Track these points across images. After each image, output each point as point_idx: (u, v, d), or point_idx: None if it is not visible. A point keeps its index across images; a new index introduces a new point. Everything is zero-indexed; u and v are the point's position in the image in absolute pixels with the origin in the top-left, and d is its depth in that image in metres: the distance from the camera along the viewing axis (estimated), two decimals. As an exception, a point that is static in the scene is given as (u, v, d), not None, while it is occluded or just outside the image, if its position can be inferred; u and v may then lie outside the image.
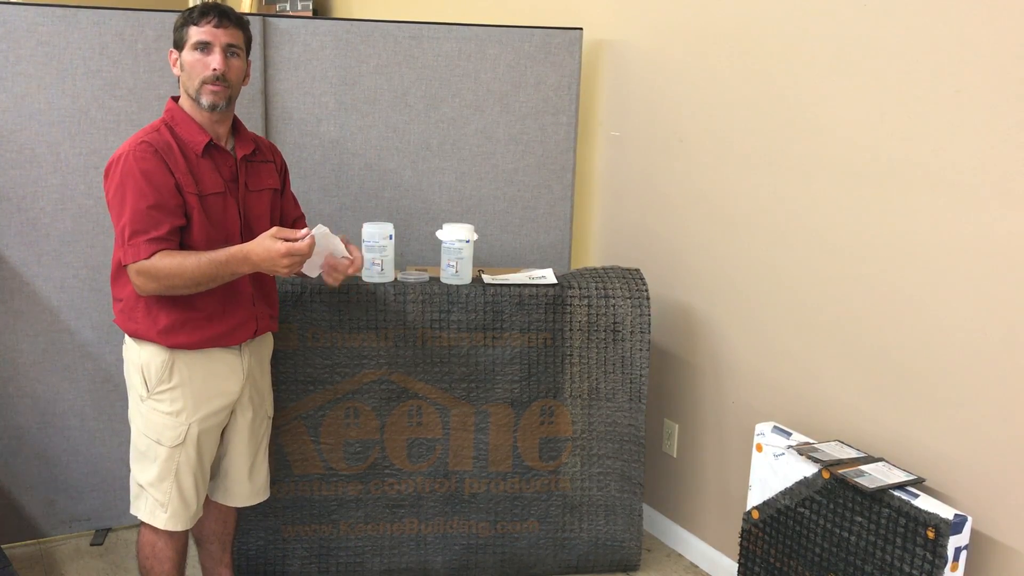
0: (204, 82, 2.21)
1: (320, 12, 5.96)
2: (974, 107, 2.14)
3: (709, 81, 2.91)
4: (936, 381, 2.28)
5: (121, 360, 3.02)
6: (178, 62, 2.26)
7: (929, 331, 2.29)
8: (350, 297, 2.76)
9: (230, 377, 2.38)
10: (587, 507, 2.96)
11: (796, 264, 2.66)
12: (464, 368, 2.84)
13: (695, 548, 3.16)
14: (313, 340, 2.77)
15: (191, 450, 2.33)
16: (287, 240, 2.15)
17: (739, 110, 2.80)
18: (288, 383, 2.78)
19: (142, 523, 2.40)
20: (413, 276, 2.84)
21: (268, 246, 2.14)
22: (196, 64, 2.21)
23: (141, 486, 2.36)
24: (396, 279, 2.83)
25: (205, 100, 2.22)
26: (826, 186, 2.54)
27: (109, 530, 3.21)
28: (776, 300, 2.74)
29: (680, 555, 3.22)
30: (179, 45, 2.25)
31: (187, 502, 2.36)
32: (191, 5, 7.54)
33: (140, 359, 2.28)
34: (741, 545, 2.63)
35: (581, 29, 3.29)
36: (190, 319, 2.25)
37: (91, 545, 3.13)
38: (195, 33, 2.22)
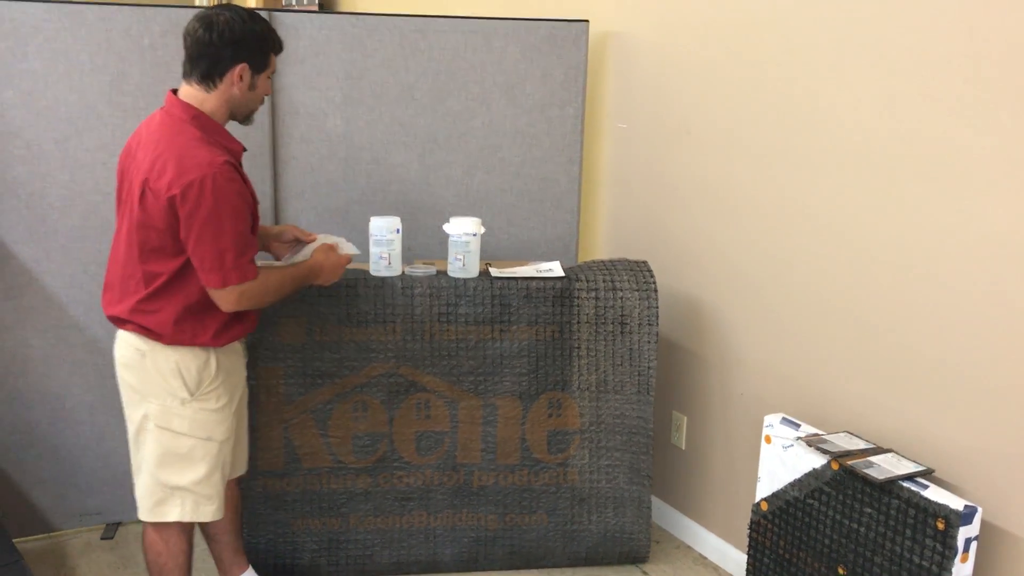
0: (259, 105, 2.33)
1: (326, 6, 5.96)
2: (983, 97, 2.13)
3: (716, 72, 2.90)
4: (945, 372, 2.27)
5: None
6: (247, 81, 2.22)
7: (938, 322, 2.28)
8: (358, 291, 2.76)
9: (241, 362, 2.51)
10: (596, 499, 2.96)
11: (804, 255, 2.65)
12: (472, 361, 2.85)
13: (704, 540, 3.16)
14: (321, 334, 2.78)
15: (231, 438, 2.43)
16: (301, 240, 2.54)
17: (746, 101, 2.80)
18: (296, 377, 2.78)
19: (150, 524, 2.39)
20: (420, 270, 2.84)
21: (335, 260, 2.48)
22: (265, 90, 2.30)
23: (176, 488, 2.33)
24: (403, 273, 2.83)
25: (251, 117, 2.34)
26: (834, 177, 2.53)
27: (119, 524, 3.22)
28: (784, 291, 2.73)
29: (689, 547, 3.22)
30: (258, 67, 2.24)
31: (223, 488, 2.43)
32: (200, 3, 7.55)
33: (175, 364, 2.26)
34: (750, 537, 2.63)
35: (587, 21, 3.28)
36: (234, 316, 2.31)
37: (101, 539, 3.15)
38: (274, 63, 2.30)
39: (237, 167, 2.23)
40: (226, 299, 2.21)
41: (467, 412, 2.88)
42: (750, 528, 2.64)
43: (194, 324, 2.25)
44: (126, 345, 2.29)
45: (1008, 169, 2.09)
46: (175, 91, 2.26)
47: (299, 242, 2.59)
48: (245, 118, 2.33)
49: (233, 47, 2.17)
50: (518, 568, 2.99)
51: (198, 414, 2.31)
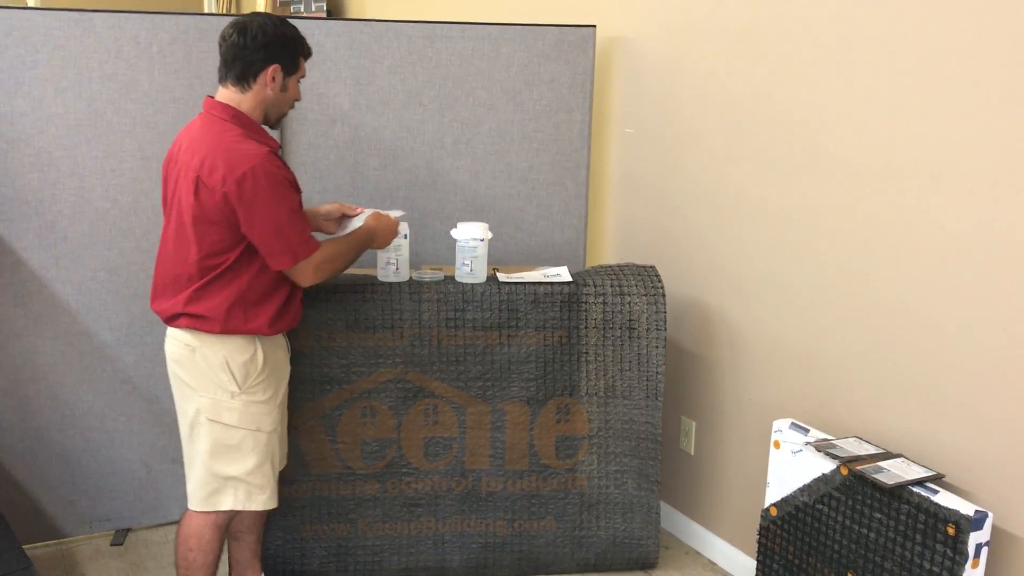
0: (289, 108, 2.45)
1: (334, 13, 5.98)
2: (992, 103, 2.12)
3: (723, 78, 2.90)
4: (955, 376, 2.26)
5: (144, 360, 3.05)
6: (279, 82, 2.36)
7: (948, 326, 2.27)
8: (365, 297, 2.77)
9: (286, 357, 2.58)
10: (604, 505, 2.95)
11: (812, 260, 2.64)
12: (480, 366, 2.84)
13: (713, 545, 3.15)
14: (329, 340, 2.78)
15: (278, 429, 2.51)
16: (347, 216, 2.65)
17: (753, 106, 2.79)
18: (304, 383, 2.79)
19: (198, 514, 2.46)
20: (428, 275, 2.84)
21: (386, 223, 2.61)
22: (295, 94, 2.43)
23: (228, 478, 2.43)
24: (411, 278, 2.83)
25: (279, 121, 2.46)
26: (842, 182, 2.52)
27: (129, 530, 3.23)
28: (792, 296, 2.72)
29: (698, 553, 3.21)
30: (290, 70, 2.38)
31: (275, 478, 2.53)
32: (209, 9, 7.59)
33: (224, 358, 2.36)
34: (759, 542, 2.62)
35: (594, 27, 3.29)
36: (286, 304, 2.43)
37: (111, 545, 3.15)
38: (304, 67, 2.43)
39: (279, 155, 2.38)
40: (303, 274, 2.36)
41: (475, 418, 2.88)
42: (759, 533, 2.63)
43: (245, 313, 2.35)
44: (176, 341, 2.39)
45: (1020, 174, 2.08)
46: (211, 97, 2.39)
47: (346, 217, 2.68)
48: (276, 121, 2.45)
49: (265, 49, 2.31)
50: (526, 574, 2.98)
51: (247, 406, 2.40)
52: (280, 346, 2.53)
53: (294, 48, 2.38)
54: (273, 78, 2.34)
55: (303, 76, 2.45)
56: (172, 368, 2.43)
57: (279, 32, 2.33)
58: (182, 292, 2.33)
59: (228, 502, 2.45)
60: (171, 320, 2.37)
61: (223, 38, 2.33)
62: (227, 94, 2.35)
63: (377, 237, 2.61)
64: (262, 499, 2.48)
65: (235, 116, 2.32)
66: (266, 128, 2.44)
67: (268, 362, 2.44)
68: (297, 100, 2.46)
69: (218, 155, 2.23)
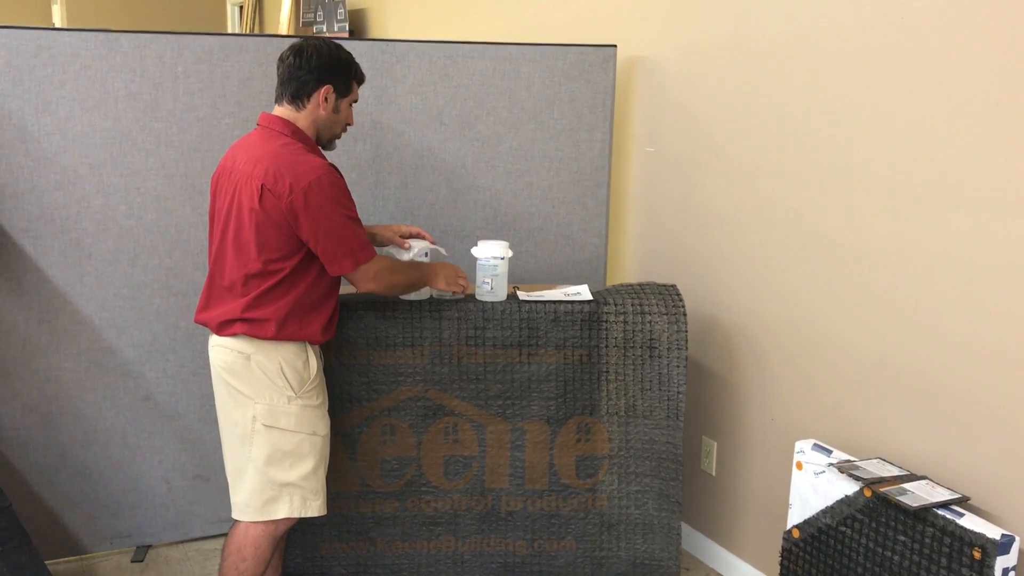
0: (342, 131, 2.56)
1: (356, 33, 6.03)
2: (1015, 124, 2.11)
3: (743, 96, 2.90)
4: (980, 397, 2.24)
5: (166, 377, 3.06)
6: (331, 103, 2.46)
7: (972, 347, 2.25)
8: (386, 314, 2.78)
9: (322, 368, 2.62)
10: (625, 526, 2.94)
11: (834, 280, 2.63)
12: (500, 385, 2.84)
13: (734, 567, 3.12)
14: (350, 357, 2.79)
15: (330, 434, 2.58)
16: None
17: (774, 124, 2.79)
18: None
19: (246, 524, 2.48)
20: (449, 293, 2.85)
21: (452, 270, 2.72)
22: (348, 118, 2.54)
23: (285, 485, 2.46)
24: (432, 296, 2.84)
25: (333, 142, 2.56)
26: (865, 201, 2.51)
27: (150, 547, 3.24)
28: (814, 315, 2.71)
29: (719, 574, 3.18)
30: (342, 92, 2.48)
31: (325, 484, 2.57)
32: (233, 29, 7.66)
33: (279, 364, 2.42)
34: (781, 564, 2.60)
35: (615, 46, 3.30)
36: (333, 315, 2.53)
37: (132, 562, 3.16)
38: (356, 91, 2.54)
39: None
40: (364, 277, 2.44)
41: (495, 436, 2.87)
42: (781, 556, 2.60)
43: (300, 320, 2.42)
44: (228, 352, 2.43)
45: (1042, 192, 2.07)
46: (267, 113, 2.50)
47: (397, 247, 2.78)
48: (328, 142, 2.55)
49: (319, 71, 2.42)
50: (546, 594, 2.97)
51: (303, 411, 2.45)
52: (321, 357, 2.60)
53: (347, 72, 2.48)
54: (326, 99, 2.44)
55: (355, 100, 2.55)
56: (223, 378, 2.45)
57: (333, 55, 2.45)
58: (240, 299, 2.38)
59: (284, 510, 2.47)
60: (224, 327, 2.41)
61: (281, 60, 2.45)
62: (283, 111, 2.46)
63: (439, 279, 2.70)
64: (316, 505, 2.52)
65: (294, 132, 2.43)
66: (330, 150, 2.58)
67: (319, 370, 2.52)
68: (349, 124, 2.56)
69: (282, 165, 2.32)
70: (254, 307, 2.38)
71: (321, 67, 2.42)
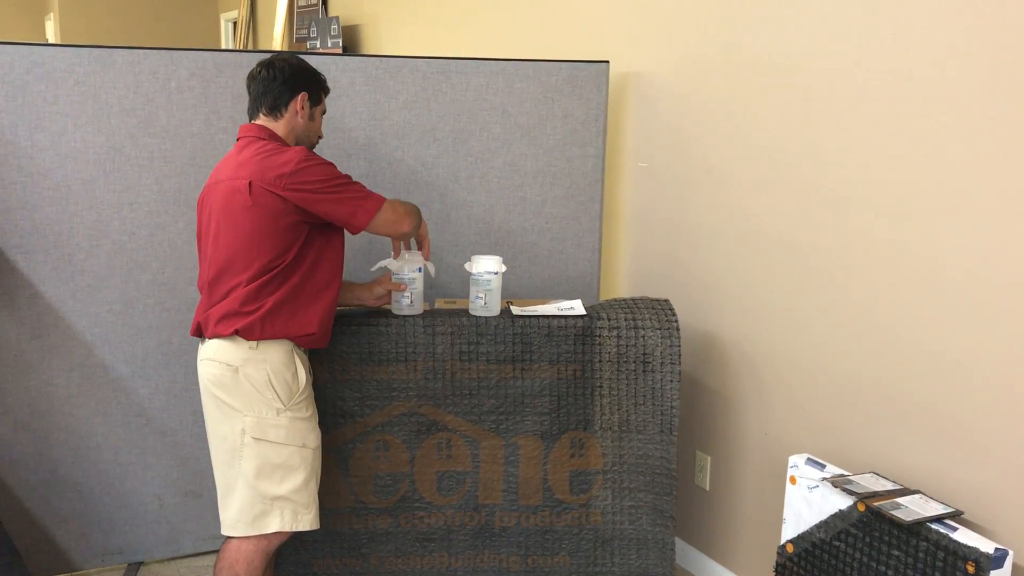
0: (316, 141, 2.66)
1: (349, 49, 6.05)
2: (1013, 140, 2.12)
3: (736, 111, 2.91)
4: (974, 412, 2.24)
5: (158, 392, 3.05)
6: (307, 110, 2.57)
7: (964, 362, 2.26)
8: (379, 330, 2.77)
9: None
10: (618, 541, 2.93)
11: (828, 294, 2.64)
12: (493, 400, 2.84)
13: (729, 583, 3.12)
14: (343, 373, 2.78)
15: (320, 447, 2.57)
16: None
17: (766, 140, 2.80)
18: (318, 416, 2.78)
19: (238, 540, 2.46)
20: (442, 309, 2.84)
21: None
22: (320, 125, 2.66)
23: (276, 498, 2.45)
24: (425, 311, 2.84)
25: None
26: (856, 216, 2.52)
27: (141, 564, 3.22)
28: (807, 330, 2.71)
29: (714, 590, 3.18)
30: (315, 101, 2.59)
31: (317, 499, 2.56)
32: (226, 45, 7.68)
33: (267, 376, 2.42)
34: (776, 580, 2.59)
35: (608, 62, 3.31)
36: (330, 309, 2.54)
37: (123, 579, 3.15)
38: (324, 102, 2.65)
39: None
40: (386, 219, 2.51)
41: (489, 452, 2.87)
42: (775, 571, 2.60)
43: (292, 314, 2.44)
44: (216, 365, 2.42)
45: (1033, 207, 2.08)
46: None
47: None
48: None
49: (292, 80, 2.53)
50: (540, 610, 2.95)
51: (293, 423, 2.45)
52: (311, 372, 2.61)
53: (317, 81, 2.59)
54: (302, 106, 2.54)
55: (324, 111, 2.65)
56: (212, 391, 2.44)
57: (303, 65, 2.57)
58: (233, 302, 2.40)
59: (275, 524, 2.46)
60: (221, 322, 2.40)
61: (252, 77, 2.54)
62: (262, 121, 2.54)
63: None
64: (308, 519, 2.51)
65: (271, 135, 2.50)
66: None
67: (308, 382, 2.52)
68: (320, 137, 2.67)
69: (266, 159, 2.39)
70: (250, 300, 2.40)
71: (294, 77, 2.53)
